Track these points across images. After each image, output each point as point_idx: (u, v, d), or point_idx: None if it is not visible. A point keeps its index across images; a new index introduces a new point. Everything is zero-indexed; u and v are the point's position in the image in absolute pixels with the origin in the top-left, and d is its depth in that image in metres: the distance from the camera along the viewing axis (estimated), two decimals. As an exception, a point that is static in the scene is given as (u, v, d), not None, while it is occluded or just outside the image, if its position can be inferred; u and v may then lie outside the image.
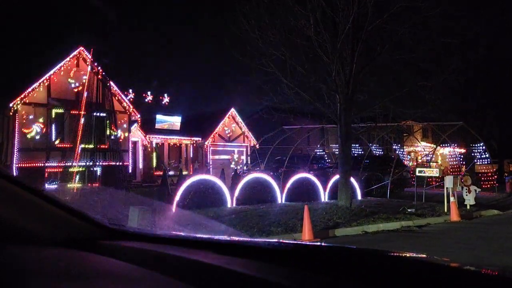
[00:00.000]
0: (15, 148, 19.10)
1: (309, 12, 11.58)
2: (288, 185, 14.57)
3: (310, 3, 11.64)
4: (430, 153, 22.01)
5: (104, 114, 16.57)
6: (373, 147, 22.33)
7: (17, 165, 18.85)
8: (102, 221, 1.64)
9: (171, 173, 23.36)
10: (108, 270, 1.21)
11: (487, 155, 22.05)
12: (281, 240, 1.53)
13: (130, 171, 21.70)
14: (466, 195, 13.79)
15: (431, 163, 18.47)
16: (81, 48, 20.98)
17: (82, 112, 16.66)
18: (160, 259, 1.32)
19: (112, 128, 17.28)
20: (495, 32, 24.13)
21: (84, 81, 18.98)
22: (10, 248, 1.27)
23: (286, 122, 22.80)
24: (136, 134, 23.92)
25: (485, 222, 12.01)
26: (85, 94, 16.94)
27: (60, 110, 20.52)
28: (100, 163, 16.15)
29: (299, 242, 1.66)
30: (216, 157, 26.98)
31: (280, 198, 14.15)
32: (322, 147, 26.45)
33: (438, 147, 22.20)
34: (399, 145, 24.11)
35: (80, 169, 15.80)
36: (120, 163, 17.19)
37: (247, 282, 1.02)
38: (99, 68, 16.76)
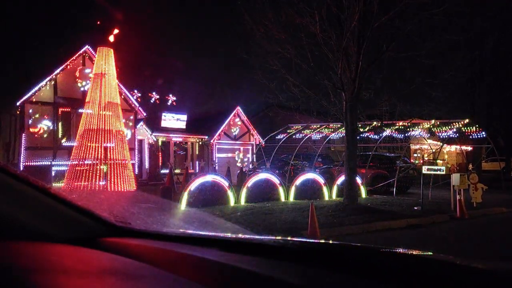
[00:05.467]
0: (22, 146, 19.25)
1: (314, 9, 11.54)
2: (294, 183, 14.57)
3: (315, 0, 11.61)
4: (437, 150, 21.91)
5: (109, 112, 16.60)
6: (378, 145, 22.24)
7: (24, 164, 18.99)
8: (109, 219, 1.65)
9: (177, 171, 23.45)
10: (114, 267, 1.21)
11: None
12: (287, 238, 1.53)
13: (136, 169, 21.80)
14: (473, 192, 13.72)
15: (437, 161, 18.39)
16: (87, 46, 21.10)
17: (86, 110, 16.72)
18: (166, 257, 1.33)
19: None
20: (500, 27, 23.83)
21: (90, 79, 19.07)
22: (16, 245, 1.28)
23: (291, 120, 22.78)
24: (142, 133, 24.01)
25: (492, 219, 11.95)
26: (90, 92, 17.01)
27: (67, 109, 20.65)
28: (106, 161, 16.20)
29: (305, 240, 1.65)
30: (222, 155, 27.02)
31: (286, 196, 14.15)
32: (328, 145, 26.40)
33: (445, 144, 22.09)
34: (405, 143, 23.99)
35: (86, 167, 15.85)
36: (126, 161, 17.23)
37: (254, 279, 1.02)
38: (105, 66, 16.82)
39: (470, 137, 21.88)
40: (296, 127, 24.06)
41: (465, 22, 12.44)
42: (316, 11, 11.52)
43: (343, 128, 13.58)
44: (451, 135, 20.11)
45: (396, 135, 21.36)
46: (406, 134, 21.11)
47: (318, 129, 23.53)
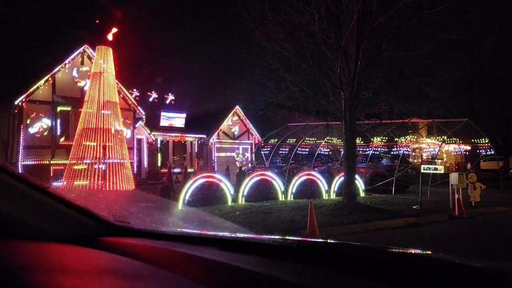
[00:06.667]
0: (20, 145, 19.21)
1: (314, 8, 11.53)
2: (293, 182, 14.57)
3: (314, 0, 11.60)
4: (436, 149, 21.93)
5: (108, 111, 16.59)
6: (378, 144, 22.24)
7: (22, 163, 18.96)
8: (107, 218, 1.65)
9: (176, 170, 23.43)
10: (113, 266, 1.21)
11: (492, 152, 21.94)
12: (286, 237, 1.53)
13: (135, 168, 21.79)
14: (472, 191, 13.73)
15: (436, 160, 18.41)
16: (86, 45, 21.06)
17: (85, 109, 16.71)
18: (165, 256, 1.33)
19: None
20: (500, 26, 23.85)
21: (88, 78, 19.03)
22: (15, 244, 1.28)
23: (290, 119, 22.79)
24: (141, 132, 24.00)
25: (490, 218, 11.96)
26: (88, 91, 17.00)
27: (65, 108, 20.62)
28: (105, 160, 16.19)
29: (304, 239, 1.66)
30: (221, 154, 27.03)
31: (285, 195, 14.15)
32: (327, 144, 26.39)
33: (443, 143, 22.11)
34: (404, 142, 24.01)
35: (85, 166, 15.84)
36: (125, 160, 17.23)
37: (252, 278, 1.02)
38: (104, 65, 16.81)
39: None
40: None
41: (465, 21, 12.41)
42: (315, 10, 11.51)
43: (343, 126, 13.54)
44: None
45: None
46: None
47: (317, 128, 23.55)
